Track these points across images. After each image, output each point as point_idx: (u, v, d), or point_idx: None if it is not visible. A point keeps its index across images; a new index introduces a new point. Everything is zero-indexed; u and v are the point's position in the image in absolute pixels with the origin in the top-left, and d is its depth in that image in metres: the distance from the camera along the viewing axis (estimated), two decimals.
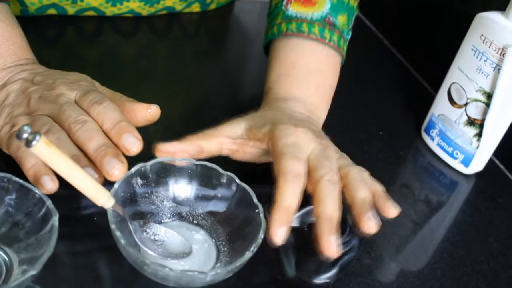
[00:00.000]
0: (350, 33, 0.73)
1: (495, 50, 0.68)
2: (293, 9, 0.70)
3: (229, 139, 0.60)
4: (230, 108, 0.76)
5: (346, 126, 0.79)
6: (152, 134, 0.58)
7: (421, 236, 0.69)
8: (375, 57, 1.00)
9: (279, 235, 0.50)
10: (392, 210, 0.54)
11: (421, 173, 0.78)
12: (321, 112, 0.68)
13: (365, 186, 0.55)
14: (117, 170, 0.52)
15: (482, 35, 0.69)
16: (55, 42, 0.85)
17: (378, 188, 0.56)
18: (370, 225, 0.52)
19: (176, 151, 0.56)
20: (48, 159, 0.47)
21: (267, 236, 0.50)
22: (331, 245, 0.50)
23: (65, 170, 0.48)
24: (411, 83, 0.94)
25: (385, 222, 0.66)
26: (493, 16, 0.69)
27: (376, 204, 0.56)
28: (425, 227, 0.71)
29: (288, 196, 0.52)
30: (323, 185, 0.53)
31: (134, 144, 0.53)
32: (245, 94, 0.85)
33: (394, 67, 0.97)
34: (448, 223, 0.73)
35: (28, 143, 0.46)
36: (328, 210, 0.52)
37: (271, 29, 0.71)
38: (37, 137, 0.46)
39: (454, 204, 0.76)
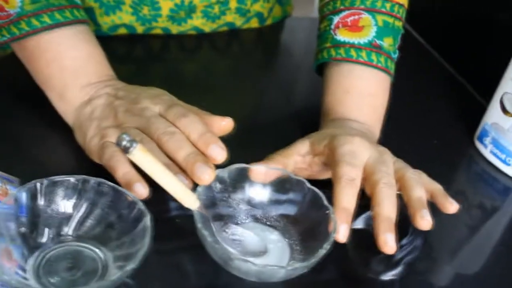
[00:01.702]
0: (398, 51, 0.77)
1: None
2: (341, 35, 0.74)
3: (300, 157, 0.65)
4: (286, 117, 0.82)
5: (401, 136, 0.83)
6: None
7: (476, 240, 0.72)
8: (426, 69, 1.03)
9: (341, 232, 0.56)
10: (452, 206, 0.60)
11: (475, 179, 0.81)
12: (375, 131, 0.73)
13: (421, 186, 0.60)
14: (207, 175, 0.56)
15: None
16: (125, 59, 0.91)
17: (437, 186, 0.61)
18: (424, 222, 0.58)
19: (266, 176, 0.62)
20: (144, 164, 0.52)
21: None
22: (388, 242, 0.56)
23: (159, 175, 0.53)
24: (462, 94, 0.97)
25: (440, 227, 0.70)
26: None
27: (435, 202, 0.61)
28: (480, 231, 0.73)
29: (344, 199, 0.58)
30: (380, 188, 0.59)
31: (220, 154, 0.58)
32: (298, 105, 0.89)
33: (445, 78, 1.00)
34: (503, 228, 0.76)
35: (127, 149, 0.51)
36: (385, 210, 0.58)
37: (321, 53, 0.76)
38: (135, 145, 0.51)
39: (509, 209, 0.79)
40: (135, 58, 0.92)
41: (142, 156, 0.52)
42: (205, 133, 0.59)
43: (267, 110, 0.86)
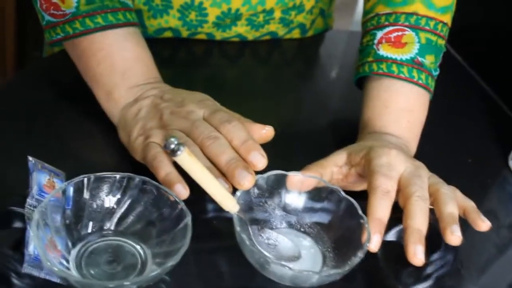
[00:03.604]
0: (438, 69, 0.78)
1: None
2: (383, 50, 0.76)
3: (337, 167, 0.67)
4: (323, 128, 0.84)
5: (435, 153, 0.84)
6: None
7: (504, 261, 0.73)
8: (462, 87, 1.04)
9: (374, 242, 0.58)
10: (483, 224, 0.61)
11: (507, 200, 0.82)
12: (411, 146, 0.74)
13: (453, 202, 0.62)
14: (247, 181, 0.59)
15: None
16: (168, 62, 0.93)
17: (470, 204, 0.63)
18: (454, 238, 0.60)
19: (302, 185, 0.64)
20: (189, 167, 0.55)
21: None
22: (417, 254, 0.58)
23: (202, 178, 0.56)
24: (497, 112, 0.98)
25: (470, 245, 0.71)
26: None
27: (468, 219, 0.62)
28: (509, 252, 0.74)
29: (378, 209, 0.60)
30: (414, 201, 0.60)
31: (260, 161, 0.60)
32: (336, 116, 0.91)
33: (480, 96, 1.01)
34: None
35: (174, 152, 0.53)
36: (417, 223, 0.59)
37: (363, 66, 0.78)
38: (182, 148, 0.53)
39: None
40: (178, 61, 0.94)
41: (188, 159, 0.54)
42: (247, 140, 0.61)
43: (305, 120, 0.88)
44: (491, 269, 0.71)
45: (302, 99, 0.92)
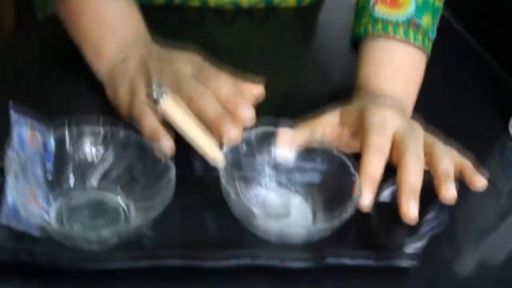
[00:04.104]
0: (435, 32, 0.76)
1: None
2: (379, 11, 0.74)
3: (329, 127, 0.65)
4: (320, 95, 0.81)
5: (433, 119, 0.82)
6: None
7: (503, 229, 0.71)
8: (460, 53, 1.01)
9: (365, 200, 0.57)
10: (480, 182, 0.58)
11: (507, 167, 0.80)
12: (407, 107, 0.72)
13: (449, 159, 0.60)
14: (235, 135, 0.56)
15: None
16: (160, 27, 0.91)
17: (466, 162, 0.61)
18: (448, 195, 0.57)
19: (293, 140, 0.62)
20: (173, 115, 0.53)
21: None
22: (410, 210, 0.56)
23: (187, 127, 0.54)
24: (498, 80, 0.95)
25: (468, 213, 0.69)
26: None
27: (464, 177, 0.60)
28: (508, 220, 0.73)
29: (370, 167, 0.58)
30: (408, 157, 0.58)
31: (249, 115, 0.58)
32: (334, 84, 0.89)
33: (480, 63, 0.99)
34: None
35: (157, 99, 0.51)
36: (410, 179, 0.57)
37: (358, 28, 0.76)
38: (165, 95, 0.51)
39: None
40: (171, 27, 0.92)
41: (171, 106, 0.52)
42: (235, 95, 0.59)
43: (302, 88, 0.86)
44: (489, 237, 0.69)
45: (300, 67, 0.90)
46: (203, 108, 0.58)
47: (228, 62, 0.85)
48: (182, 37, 0.88)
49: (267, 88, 0.63)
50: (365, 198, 0.57)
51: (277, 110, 0.65)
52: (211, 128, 0.58)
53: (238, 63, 0.85)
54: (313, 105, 0.77)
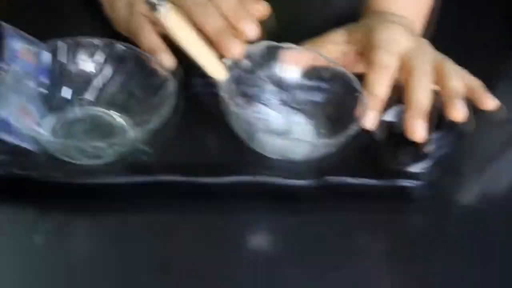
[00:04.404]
0: None
1: None
2: None
3: (335, 45, 0.62)
4: (326, 19, 0.78)
5: (444, 41, 0.79)
6: None
7: (508, 157, 0.70)
8: None
9: (369, 118, 0.55)
10: (490, 102, 0.56)
11: None
12: (416, 27, 0.69)
13: (458, 77, 0.58)
14: (237, 49, 0.54)
15: None
16: None
17: (476, 82, 0.58)
18: (457, 113, 0.55)
19: (298, 58, 0.59)
20: (172, 25, 0.50)
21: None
22: (417, 129, 0.54)
23: (187, 39, 0.51)
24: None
25: (472, 140, 0.67)
26: None
27: (474, 98, 0.58)
28: None
29: (376, 84, 0.56)
30: (416, 75, 0.56)
31: (252, 29, 0.55)
32: (338, 6, 0.86)
33: None
34: None
35: (156, 8, 0.49)
36: (418, 97, 0.55)
37: None
38: (164, 3, 0.49)
39: None
40: None
41: (171, 16, 0.50)
42: (238, 8, 0.57)
43: (305, 13, 0.83)
44: (494, 165, 0.68)
45: None
46: (204, 21, 0.56)
47: None
48: None
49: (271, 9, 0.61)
50: (369, 115, 0.55)
51: (280, 34, 0.62)
52: (212, 42, 0.55)
53: None
54: (318, 30, 0.74)
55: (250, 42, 0.57)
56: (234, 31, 0.55)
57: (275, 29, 0.62)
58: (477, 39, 0.83)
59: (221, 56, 0.55)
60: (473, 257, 0.56)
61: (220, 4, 0.57)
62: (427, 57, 0.59)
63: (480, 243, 0.57)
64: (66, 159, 0.50)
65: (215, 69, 0.53)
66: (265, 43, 0.58)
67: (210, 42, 0.56)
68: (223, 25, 0.56)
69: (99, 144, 0.48)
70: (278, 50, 0.59)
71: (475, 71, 0.74)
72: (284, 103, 0.60)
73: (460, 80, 0.58)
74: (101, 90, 0.56)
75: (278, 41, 0.60)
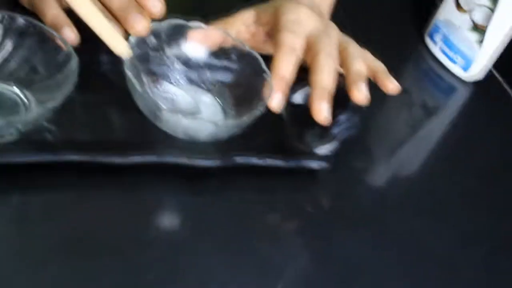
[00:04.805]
0: None
1: None
2: None
3: (244, 26, 0.62)
4: None
5: (348, 27, 0.80)
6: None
7: (415, 140, 0.72)
8: None
9: (275, 100, 0.55)
10: (392, 85, 0.58)
11: (422, 77, 0.80)
12: (324, 10, 0.70)
13: (362, 60, 0.59)
14: (141, 25, 0.53)
15: None
16: None
17: (379, 65, 0.60)
18: (360, 95, 0.56)
19: (205, 38, 0.59)
20: (75, 1, 0.49)
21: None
22: (321, 111, 0.54)
23: (90, 15, 0.50)
24: None
25: (379, 123, 0.69)
26: None
27: (376, 80, 0.59)
28: (421, 131, 0.73)
29: (282, 66, 0.56)
30: (321, 57, 0.57)
31: (156, 5, 0.54)
32: None
33: None
34: (444, 128, 0.75)
35: None
36: (323, 79, 0.56)
37: None
38: None
39: (450, 110, 0.78)
40: None
41: None
42: None
43: None
44: (401, 148, 0.69)
45: None
46: None
47: None
48: None
49: None
50: (275, 97, 0.55)
51: (188, 10, 0.62)
52: (117, 18, 0.54)
53: None
54: (227, 8, 0.74)
55: (157, 20, 0.56)
56: (140, 8, 0.54)
57: (183, 6, 0.61)
58: (384, 22, 0.84)
59: (126, 33, 0.54)
60: (378, 238, 0.57)
61: None
62: (333, 40, 0.59)
63: (384, 225, 0.58)
64: None
65: (119, 46, 0.52)
66: (173, 21, 0.57)
67: (115, 18, 0.55)
68: (128, 1, 0.54)
69: (1, 122, 0.47)
70: (186, 28, 0.58)
71: (380, 54, 0.76)
72: (192, 82, 0.59)
73: (363, 63, 0.59)
74: (3, 66, 0.54)
75: (186, 18, 0.59)
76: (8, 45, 0.54)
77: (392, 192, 0.63)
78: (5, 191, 0.50)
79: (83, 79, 0.51)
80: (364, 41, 0.75)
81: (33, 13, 0.58)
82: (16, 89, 0.53)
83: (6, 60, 0.54)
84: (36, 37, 0.53)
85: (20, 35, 0.53)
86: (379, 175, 0.65)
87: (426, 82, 0.80)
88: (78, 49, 0.53)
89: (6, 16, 0.53)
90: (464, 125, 0.76)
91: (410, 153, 0.70)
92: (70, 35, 0.54)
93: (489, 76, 0.79)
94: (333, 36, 0.60)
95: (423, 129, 0.74)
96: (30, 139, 0.50)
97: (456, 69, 0.78)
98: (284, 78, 0.56)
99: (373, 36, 0.80)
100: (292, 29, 0.58)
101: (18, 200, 0.50)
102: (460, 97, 0.80)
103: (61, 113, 0.50)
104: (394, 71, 0.76)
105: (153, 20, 0.55)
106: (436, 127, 0.75)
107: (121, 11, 0.54)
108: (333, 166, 0.59)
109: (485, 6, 0.73)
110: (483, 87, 0.80)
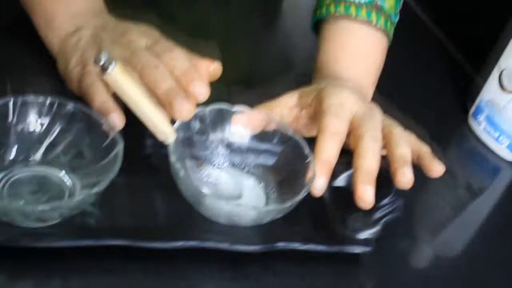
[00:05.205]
0: (398, 16, 0.75)
1: None
2: None
3: (287, 109, 0.63)
4: (282, 80, 0.79)
5: (392, 108, 0.81)
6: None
7: (459, 222, 0.70)
8: (419, 39, 1.00)
9: (318, 185, 0.55)
10: (437, 169, 0.57)
11: (465, 158, 0.79)
12: (368, 92, 0.70)
13: (407, 144, 0.58)
14: (187, 110, 0.53)
15: None
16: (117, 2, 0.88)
17: (424, 148, 0.59)
18: (404, 179, 0.55)
19: (249, 121, 0.60)
20: (121, 86, 0.50)
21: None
22: (365, 195, 0.54)
23: (136, 99, 0.51)
24: (458, 69, 0.94)
25: (423, 205, 0.68)
26: None
27: (421, 164, 0.59)
28: (465, 213, 0.72)
29: (325, 150, 0.56)
30: (365, 141, 0.57)
31: (202, 91, 0.55)
32: (296, 68, 0.87)
33: (438, 49, 0.98)
34: (488, 210, 0.74)
35: (105, 68, 0.48)
36: (367, 163, 0.55)
37: (320, 9, 0.74)
38: (113, 63, 0.49)
39: (496, 191, 0.77)
40: (128, 2, 0.89)
41: (120, 76, 0.49)
42: (189, 70, 0.57)
43: (263, 71, 0.84)
44: (445, 230, 0.68)
45: (262, 50, 0.88)
46: (155, 81, 0.56)
47: (187, 42, 0.83)
48: (140, 17, 0.86)
49: (224, 71, 0.61)
50: (318, 181, 0.55)
51: (233, 94, 0.63)
52: (163, 102, 0.55)
53: (196, 43, 0.83)
54: (272, 92, 0.75)
55: (202, 104, 0.57)
56: (185, 92, 0.56)
57: (227, 90, 0.62)
58: (427, 103, 0.84)
59: (171, 117, 0.55)
60: None
61: (172, 64, 0.57)
62: (377, 123, 0.59)
63: None
64: (9, 221, 0.49)
65: (164, 132, 0.53)
66: (217, 105, 0.58)
67: (161, 103, 0.56)
68: (174, 86, 0.56)
69: (45, 207, 0.47)
70: (229, 112, 0.59)
71: (424, 135, 0.75)
72: (235, 166, 0.60)
73: (408, 146, 0.59)
74: (49, 149, 0.55)
75: (230, 99, 0.60)
76: (57, 130, 0.55)
77: (436, 275, 0.62)
78: (46, 275, 0.50)
79: (126, 162, 0.52)
80: (406, 121, 0.76)
81: (80, 97, 0.59)
82: (62, 174, 0.54)
83: (54, 145, 0.55)
84: (84, 123, 0.55)
85: (69, 120, 0.55)
86: (423, 258, 0.64)
87: (470, 162, 0.79)
88: (122, 132, 0.55)
89: (55, 101, 0.54)
90: (509, 206, 0.74)
91: (454, 235, 0.69)
92: (117, 119, 0.55)
93: None
94: (377, 118, 0.60)
95: (467, 211, 0.73)
96: (72, 223, 0.51)
97: (501, 150, 0.77)
98: (327, 162, 0.56)
99: (416, 115, 0.80)
100: (335, 113, 0.58)
101: (59, 285, 0.50)
102: (505, 177, 0.78)
103: (104, 197, 0.51)
104: (438, 152, 0.76)
105: (198, 104, 0.56)
106: (481, 209, 0.74)
107: (167, 95, 0.55)
108: (375, 249, 0.58)
109: None
110: None
